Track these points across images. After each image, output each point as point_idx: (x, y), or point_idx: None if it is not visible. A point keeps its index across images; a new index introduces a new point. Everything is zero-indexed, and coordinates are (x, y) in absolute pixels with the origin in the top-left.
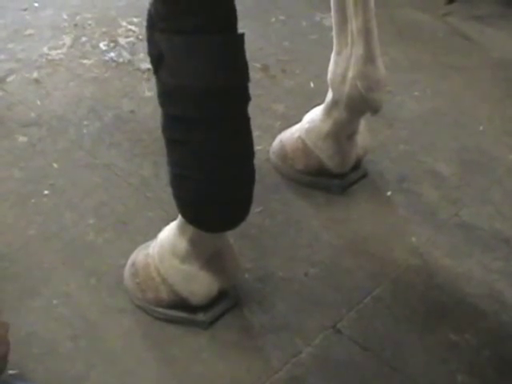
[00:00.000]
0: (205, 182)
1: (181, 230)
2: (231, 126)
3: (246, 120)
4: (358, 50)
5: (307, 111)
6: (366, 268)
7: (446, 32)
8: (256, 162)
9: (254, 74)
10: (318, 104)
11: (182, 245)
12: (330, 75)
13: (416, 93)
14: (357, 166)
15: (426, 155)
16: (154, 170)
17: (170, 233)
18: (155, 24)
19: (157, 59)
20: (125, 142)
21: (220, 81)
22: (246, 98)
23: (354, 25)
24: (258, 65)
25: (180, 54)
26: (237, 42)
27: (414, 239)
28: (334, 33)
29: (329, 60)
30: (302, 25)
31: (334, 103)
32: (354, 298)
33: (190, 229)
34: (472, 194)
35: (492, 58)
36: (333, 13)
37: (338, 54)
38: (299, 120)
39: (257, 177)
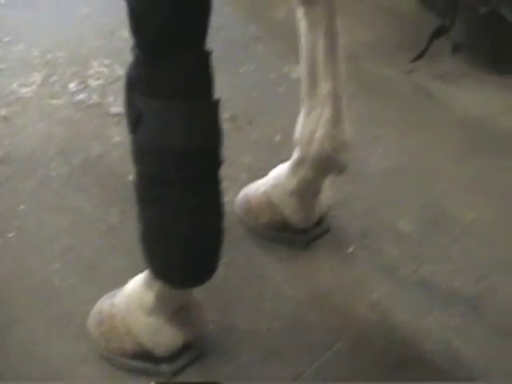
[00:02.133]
0: (176, 241)
1: (148, 284)
2: (205, 187)
3: (218, 182)
4: (327, 113)
5: (273, 164)
6: (328, 322)
7: (411, 89)
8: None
9: (222, 125)
10: (284, 158)
11: (149, 298)
12: (297, 135)
13: (379, 149)
14: (320, 221)
15: (388, 212)
16: (121, 218)
17: (136, 284)
18: (135, 86)
19: (135, 120)
20: (93, 186)
21: (197, 143)
22: (219, 161)
23: (323, 89)
24: (227, 115)
25: (159, 117)
26: (213, 107)
27: (374, 295)
28: (303, 94)
29: (295, 113)
30: (271, 76)
31: (301, 162)
32: (315, 351)
33: (158, 283)
34: (432, 251)
35: (455, 117)
36: (304, 75)
37: (307, 115)
38: (265, 173)
39: None
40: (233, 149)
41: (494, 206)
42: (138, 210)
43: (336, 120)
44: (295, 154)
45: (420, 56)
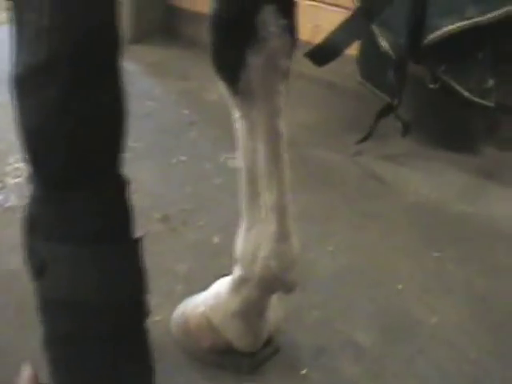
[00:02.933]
0: None
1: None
2: (129, 343)
3: (145, 334)
4: (271, 227)
5: (212, 272)
6: None
7: (359, 174)
8: (155, 334)
9: (153, 227)
10: (225, 263)
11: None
12: (238, 252)
13: (330, 247)
14: (269, 340)
15: (344, 322)
16: None
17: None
18: (36, 228)
19: (38, 269)
20: (9, 307)
21: (115, 295)
22: (144, 311)
23: (267, 201)
24: (158, 215)
25: (65, 265)
26: (133, 248)
27: None
28: (243, 206)
29: (235, 209)
30: (206, 167)
31: (243, 281)
32: None
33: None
34: (394, 366)
35: (407, 203)
36: (243, 183)
37: (248, 230)
38: (204, 283)
39: (156, 354)
40: (166, 255)
41: (457, 305)
42: (50, 372)
43: (282, 235)
44: (237, 272)
45: (366, 137)
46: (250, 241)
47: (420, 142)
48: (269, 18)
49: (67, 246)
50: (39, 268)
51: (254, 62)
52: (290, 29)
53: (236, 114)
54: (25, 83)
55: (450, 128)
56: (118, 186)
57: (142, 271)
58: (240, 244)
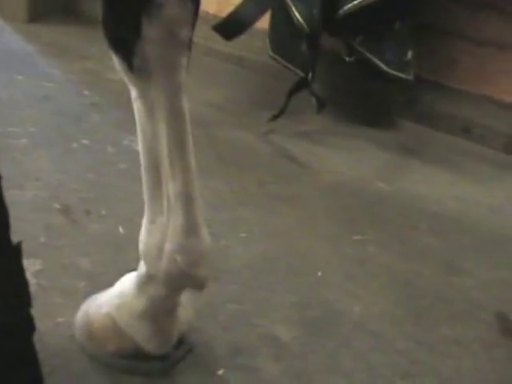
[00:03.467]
0: None
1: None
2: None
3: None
4: (176, 219)
5: (118, 266)
6: None
7: (271, 153)
8: (56, 339)
9: (53, 219)
10: (131, 257)
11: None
12: (142, 246)
13: (243, 234)
14: (180, 341)
15: (261, 316)
16: None
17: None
18: None
19: None
20: None
21: None
22: (30, 330)
23: (170, 188)
24: (58, 205)
25: None
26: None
27: None
28: (145, 196)
29: (141, 197)
30: (108, 151)
31: (149, 278)
32: None
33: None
34: (318, 362)
35: (324, 183)
36: (143, 171)
37: (152, 222)
38: (108, 279)
39: (60, 361)
40: (67, 249)
41: (381, 292)
42: None
43: (189, 228)
44: (142, 268)
45: (279, 114)
46: (154, 234)
47: (336, 118)
48: None
49: None
50: None
51: (150, 32)
52: None
53: (133, 94)
54: None
55: (367, 103)
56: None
57: (24, 282)
58: (143, 238)
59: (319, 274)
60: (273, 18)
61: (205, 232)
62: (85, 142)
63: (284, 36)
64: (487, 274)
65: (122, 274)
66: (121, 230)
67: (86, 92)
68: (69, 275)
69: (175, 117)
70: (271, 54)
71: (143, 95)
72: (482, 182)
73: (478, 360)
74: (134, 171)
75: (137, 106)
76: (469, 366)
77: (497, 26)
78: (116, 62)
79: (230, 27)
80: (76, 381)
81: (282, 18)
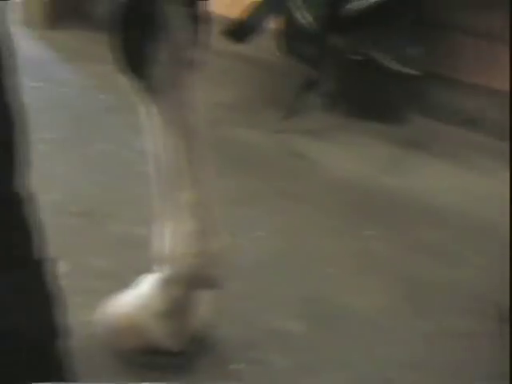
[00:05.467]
0: None
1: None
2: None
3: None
4: (186, 225)
5: (135, 266)
6: None
7: (282, 152)
8: (80, 337)
9: (72, 222)
10: (145, 257)
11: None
12: (157, 249)
13: (253, 231)
14: (196, 338)
15: (272, 311)
16: None
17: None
18: None
19: None
20: None
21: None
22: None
23: (179, 197)
24: (76, 209)
25: None
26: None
27: None
28: (157, 202)
29: (157, 199)
30: (124, 154)
31: (165, 279)
32: None
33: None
34: (327, 356)
35: (333, 180)
36: (154, 180)
37: (164, 227)
38: (127, 279)
39: (82, 355)
40: (87, 251)
41: (389, 287)
42: None
43: (199, 233)
44: (158, 270)
45: (290, 113)
46: (167, 238)
47: (343, 115)
48: (170, 8)
49: None
50: None
51: (158, 56)
52: (194, 16)
53: (142, 110)
54: None
55: (374, 99)
56: (14, 201)
57: (49, 296)
58: (159, 241)
59: (329, 270)
60: (281, 18)
61: (215, 235)
62: (101, 145)
63: (292, 36)
64: (495, 269)
65: (139, 274)
66: (138, 231)
67: (102, 96)
68: (88, 276)
69: (183, 132)
70: (279, 53)
71: (153, 113)
72: (489, 175)
73: (483, 352)
74: (149, 174)
75: (147, 121)
76: (475, 358)
77: (504, 19)
78: (127, 82)
79: (241, 30)
80: (96, 378)
81: (289, 18)
